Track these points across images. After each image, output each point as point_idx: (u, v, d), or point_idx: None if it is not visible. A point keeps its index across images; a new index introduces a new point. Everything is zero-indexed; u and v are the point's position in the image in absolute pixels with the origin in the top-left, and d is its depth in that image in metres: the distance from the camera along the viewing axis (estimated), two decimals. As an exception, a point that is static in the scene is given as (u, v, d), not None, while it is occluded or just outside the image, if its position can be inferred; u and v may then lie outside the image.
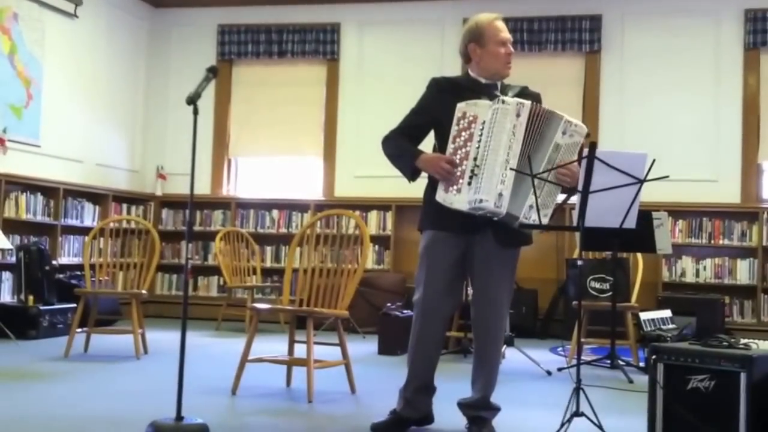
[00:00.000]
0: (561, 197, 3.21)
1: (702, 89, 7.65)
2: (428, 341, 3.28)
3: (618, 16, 7.85)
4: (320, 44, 8.37)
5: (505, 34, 3.28)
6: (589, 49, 7.84)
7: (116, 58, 8.28)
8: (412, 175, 3.25)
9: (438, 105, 3.25)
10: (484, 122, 3.06)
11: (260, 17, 8.51)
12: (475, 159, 3.06)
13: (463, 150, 3.09)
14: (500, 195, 3.02)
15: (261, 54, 8.50)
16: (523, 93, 3.28)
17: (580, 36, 7.83)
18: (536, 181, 3.02)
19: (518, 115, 3.04)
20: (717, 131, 7.60)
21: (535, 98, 3.27)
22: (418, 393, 3.30)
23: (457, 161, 3.09)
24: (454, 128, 3.12)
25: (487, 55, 3.26)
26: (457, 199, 3.09)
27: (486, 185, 3.02)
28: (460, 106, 3.12)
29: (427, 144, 3.34)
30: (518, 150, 3.04)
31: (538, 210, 3.04)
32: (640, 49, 7.81)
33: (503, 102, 3.05)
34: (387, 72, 8.24)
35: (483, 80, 3.28)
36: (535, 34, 7.90)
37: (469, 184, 3.06)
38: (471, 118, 3.09)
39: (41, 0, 7.15)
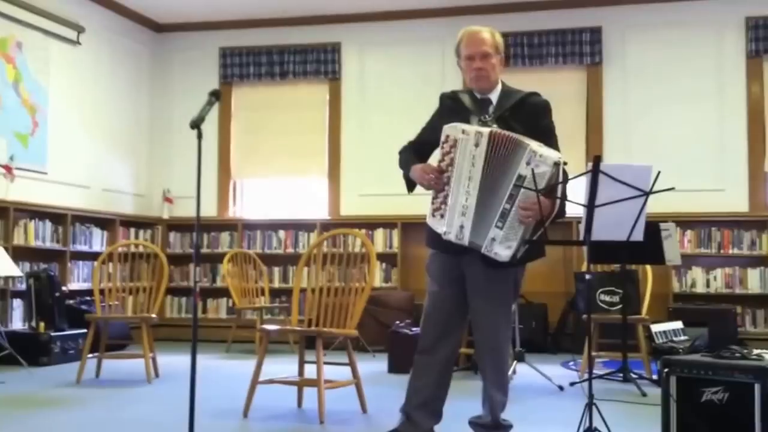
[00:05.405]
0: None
1: (706, 98, 7.64)
2: (429, 360, 3.21)
3: (618, 27, 7.87)
4: (321, 64, 8.41)
5: (472, 48, 3.18)
6: (590, 61, 7.86)
7: (120, 84, 8.34)
8: (408, 186, 3.26)
9: (440, 122, 3.20)
10: (457, 149, 3.03)
11: (261, 39, 8.56)
12: (448, 185, 3.04)
13: (446, 175, 3.06)
14: (461, 227, 3.00)
15: (263, 75, 8.55)
16: (524, 101, 3.19)
17: (581, 49, 7.85)
18: (499, 213, 2.94)
19: (477, 145, 2.98)
20: (722, 140, 7.58)
21: (538, 107, 3.20)
22: (418, 409, 3.22)
23: (444, 180, 3.06)
24: (440, 150, 3.09)
25: (463, 70, 3.25)
26: (439, 224, 3.08)
27: (449, 216, 3.02)
28: (445, 129, 3.07)
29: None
30: (477, 182, 2.98)
31: (527, 241, 2.94)
32: (641, 60, 7.82)
33: (463, 131, 3.00)
34: (388, 90, 8.26)
35: (478, 95, 3.24)
36: (535, 48, 7.92)
37: (442, 214, 3.05)
38: (452, 142, 3.05)
39: (44, 28, 7.21)
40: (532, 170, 2.89)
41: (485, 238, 2.98)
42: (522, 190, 2.92)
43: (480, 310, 3.19)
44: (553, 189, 2.93)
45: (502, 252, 2.96)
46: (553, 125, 3.22)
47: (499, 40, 3.25)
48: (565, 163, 2.96)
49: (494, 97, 3.22)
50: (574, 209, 3.23)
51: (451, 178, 3.03)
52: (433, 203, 3.11)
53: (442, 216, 3.06)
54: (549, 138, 3.12)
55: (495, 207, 2.97)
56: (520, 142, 2.95)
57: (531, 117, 3.16)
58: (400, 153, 3.35)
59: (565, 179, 2.99)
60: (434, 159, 3.30)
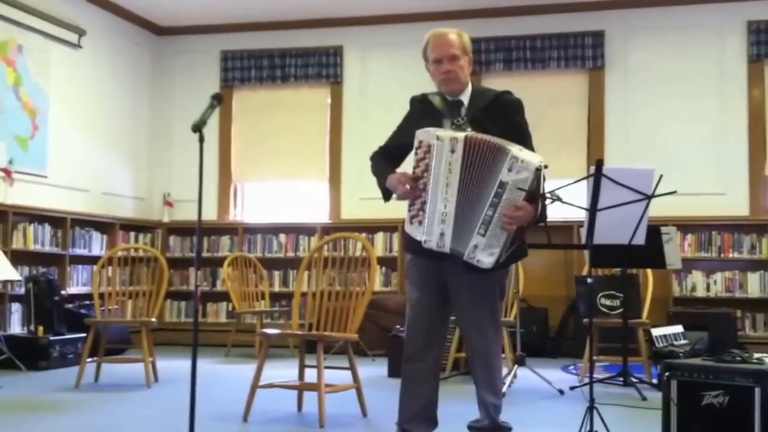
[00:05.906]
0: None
1: (707, 102, 7.64)
2: (418, 367, 3.18)
3: (620, 31, 7.87)
4: (323, 68, 8.42)
5: (439, 51, 3.11)
6: (593, 65, 7.86)
7: (120, 87, 8.34)
8: (384, 196, 3.20)
9: (412, 126, 3.12)
10: (432, 154, 2.96)
11: (262, 42, 8.57)
12: (425, 192, 2.97)
13: (422, 182, 3.00)
14: (441, 234, 2.95)
15: (264, 79, 8.55)
16: (496, 100, 3.13)
17: (583, 53, 7.85)
18: (481, 220, 2.88)
19: (453, 151, 2.91)
20: (723, 144, 7.58)
21: (511, 105, 3.13)
22: (413, 420, 3.18)
23: (420, 186, 2.99)
24: (414, 156, 3.02)
25: (431, 74, 3.19)
26: (418, 231, 3.02)
27: (428, 224, 2.97)
28: (418, 134, 3.00)
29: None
30: (455, 188, 2.92)
31: (504, 249, 2.88)
32: (643, 64, 7.81)
33: (437, 137, 2.93)
34: (390, 93, 8.23)
35: (449, 97, 3.18)
36: (537, 52, 7.92)
37: (420, 221, 2.99)
38: (426, 148, 2.98)
39: (45, 31, 7.21)
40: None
41: (467, 245, 2.93)
42: (505, 196, 2.86)
43: (466, 315, 3.16)
44: (536, 195, 2.87)
45: (485, 259, 2.92)
46: (527, 123, 3.16)
47: (467, 41, 3.18)
48: (545, 167, 2.89)
49: (465, 98, 3.16)
50: (575, 213, 3.22)
51: (428, 185, 2.97)
52: (410, 210, 3.05)
53: (420, 223, 3.01)
54: (523, 137, 3.07)
55: (476, 214, 2.92)
56: (501, 148, 2.88)
57: (504, 116, 3.09)
58: (372, 159, 3.29)
59: (543, 182, 2.91)
60: (408, 162, 3.21)
